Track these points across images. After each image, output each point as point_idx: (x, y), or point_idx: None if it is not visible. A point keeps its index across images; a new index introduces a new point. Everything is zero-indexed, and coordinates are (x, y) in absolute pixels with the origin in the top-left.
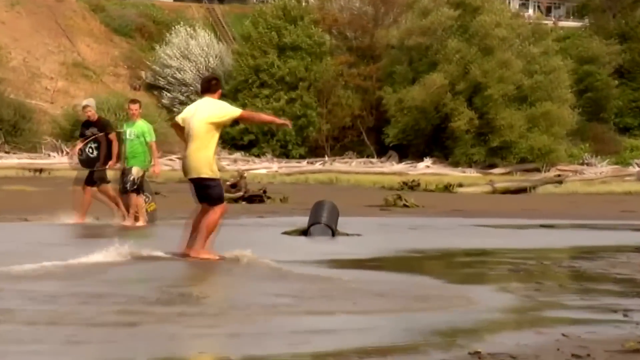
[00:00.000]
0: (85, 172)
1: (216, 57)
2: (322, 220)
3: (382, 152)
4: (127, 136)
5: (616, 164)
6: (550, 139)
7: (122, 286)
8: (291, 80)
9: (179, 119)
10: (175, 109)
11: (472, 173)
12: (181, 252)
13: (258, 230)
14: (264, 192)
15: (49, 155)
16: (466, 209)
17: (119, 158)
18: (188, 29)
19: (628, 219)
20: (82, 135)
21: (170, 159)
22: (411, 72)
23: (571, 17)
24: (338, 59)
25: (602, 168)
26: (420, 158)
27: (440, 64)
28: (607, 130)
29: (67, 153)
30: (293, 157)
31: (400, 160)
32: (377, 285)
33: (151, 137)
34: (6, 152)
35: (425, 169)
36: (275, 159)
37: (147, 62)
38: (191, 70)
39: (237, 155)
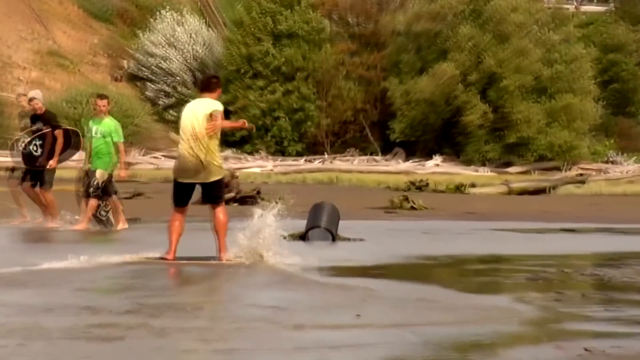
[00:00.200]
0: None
1: (205, 45)
2: (321, 223)
3: (387, 149)
4: (93, 134)
5: None
6: (571, 134)
7: (100, 296)
8: (287, 70)
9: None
10: (160, 102)
11: (485, 172)
12: (169, 257)
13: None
14: (258, 192)
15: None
16: (479, 211)
17: (78, 154)
18: (174, 14)
19: None
20: (24, 129)
21: (155, 157)
22: (419, 62)
23: (595, 1)
24: (339, 46)
25: (629, 166)
26: (429, 156)
27: (451, 53)
28: (635, 125)
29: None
30: (289, 155)
31: (407, 158)
32: (382, 295)
33: (119, 138)
34: None
35: (435, 167)
36: (270, 157)
37: (130, 51)
38: (177, 60)
39: (228, 152)
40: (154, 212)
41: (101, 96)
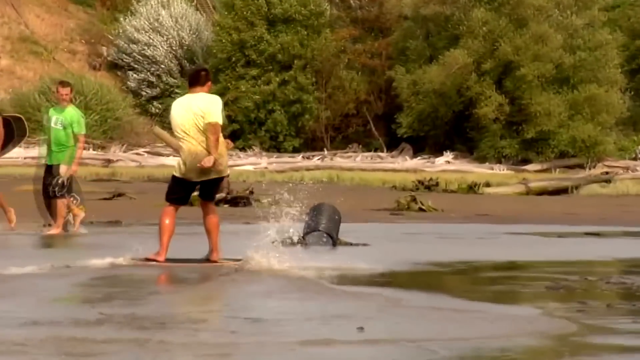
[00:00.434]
0: None
1: (192, 30)
2: (320, 226)
3: (392, 144)
4: (52, 124)
5: None
6: (596, 128)
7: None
8: (283, 58)
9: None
10: (143, 93)
11: (501, 170)
12: (159, 259)
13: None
14: (251, 193)
15: None
16: (495, 213)
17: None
18: None
19: None
20: None
21: (138, 154)
22: (428, 49)
23: None
24: (340, 32)
25: None
26: (439, 152)
27: (463, 39)
28: None
29: None
30: (285, 151)
31: (414, 155)
32: (387, 305)
33: (80, 129)
34: None
35: (445, 165)
36: (264, 153)
37: (110, 37)
38: (162, 47)
39: None
40: (137, 214)
41: (63, 83)
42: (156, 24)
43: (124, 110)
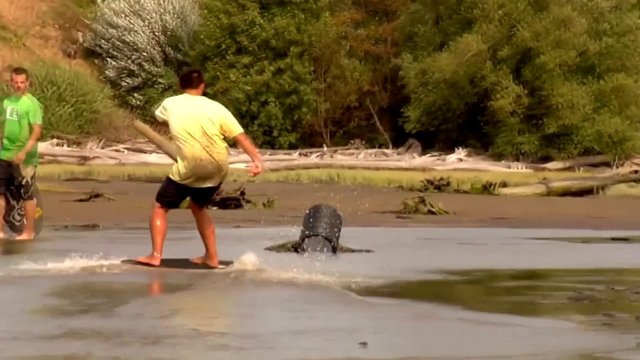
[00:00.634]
0: None
1: (177, 14)
2: (319, 231)
3: (399, 140)
4: (8, 115)
5: None
6: (624, 123)
7: (35, 318)
8: (278, 44)
9: (166, 114)
10: (123, 83)
11: (520, 168)
12: (154, 263)
13: (233, 245)
14: (242, 193)
15: None
16: (512, 216)
17: None
18: None
19: None
20: None
21: (117, 150)
22: (438, 34)
23: None
24: (341, 16)
25: None
26: (450, 149)
27: (477, 23)
28: None
29: None
30: (280, 147)
31: (423, 152)
32: (393, 318)
33: (35, 119)
34: None
35: (458, 163)
36: (257, 150)
37: (86, 21)
38: (144, 32)
39: None
40: (116, 217)
41: (18, 70)
42: (137, 7)
43: (102, 102)
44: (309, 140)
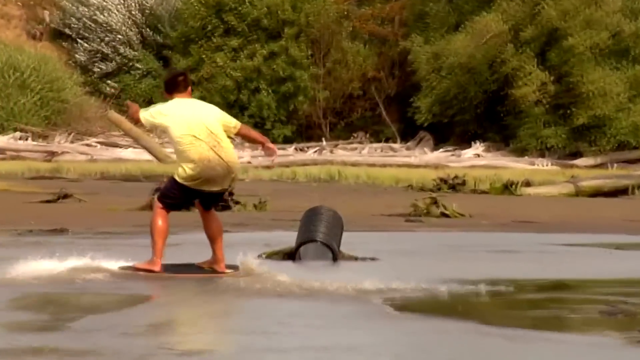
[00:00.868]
0: None
1: None
2: (317, 236)
3: (408, 133)
4: None
5: None
6: None
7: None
8: (271, 24)
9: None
10: (95, 68)
11: (545, 165)
12: (156, 269)
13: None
14: (230, 194)
15: None
16: (537, 219)
17: None
18: None
19: None
20: None
21: (88, 144)
22: (453, 14)
23: None
24: None
25: None
26: (466, 142)
27: (496, 1)
28: None
29: None
30: (274, 141)
31: (436, 146)
32: (401, 333)
33: None
34: None
35: (475, 159)
36: (246, 144)
37: None
38: (119, 11)
39: None
40: (87, 221)
41: None
42: None
43: (71, 89)
44: (306, 133)
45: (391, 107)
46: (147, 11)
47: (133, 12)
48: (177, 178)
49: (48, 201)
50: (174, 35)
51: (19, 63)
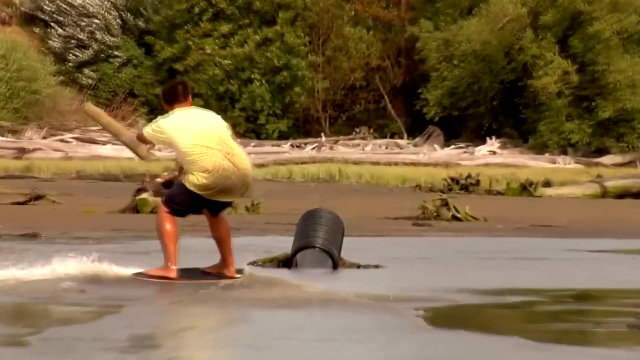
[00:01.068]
0: None
1: None
2: (316, 242)
3: (416, 128)
4: None
5: None
6: None
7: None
8: (265, 8)
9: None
10: (70, 56)
11: (567, 163)
12: (171, 275)
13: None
14: None
15: None
16: (557, 223)
17: None
18: None
19: None
20: None
21: (63, 140)
22: None
23: None
24: None
25: None
26: (481, 138)
27: None
28: None
29: None
30: (268, 137)
31: (446, 143)
32: (409, 348)
33: None
34: None
35: (490, 156)
36: (238, 140)
37: None
38: None
39: None
40: (61, 224)
41: None
42: None
43: (44, 79)
44: (303, 128)
45: (397, 100)
46: None
47: None
48: (188, 185)
49: (19, 203)
50: (158, 20)
51: None
